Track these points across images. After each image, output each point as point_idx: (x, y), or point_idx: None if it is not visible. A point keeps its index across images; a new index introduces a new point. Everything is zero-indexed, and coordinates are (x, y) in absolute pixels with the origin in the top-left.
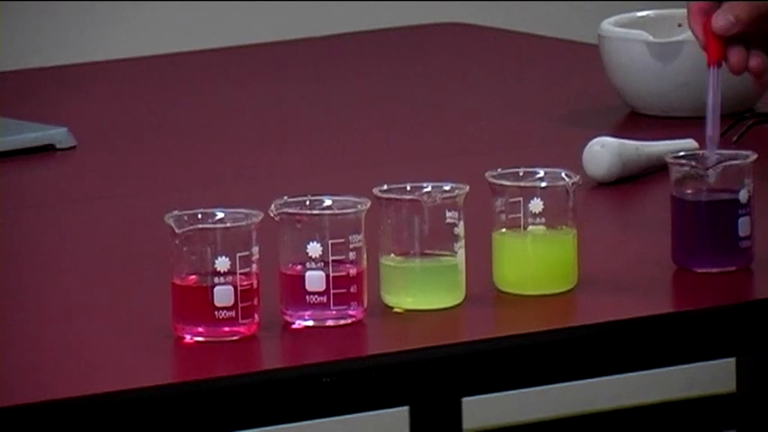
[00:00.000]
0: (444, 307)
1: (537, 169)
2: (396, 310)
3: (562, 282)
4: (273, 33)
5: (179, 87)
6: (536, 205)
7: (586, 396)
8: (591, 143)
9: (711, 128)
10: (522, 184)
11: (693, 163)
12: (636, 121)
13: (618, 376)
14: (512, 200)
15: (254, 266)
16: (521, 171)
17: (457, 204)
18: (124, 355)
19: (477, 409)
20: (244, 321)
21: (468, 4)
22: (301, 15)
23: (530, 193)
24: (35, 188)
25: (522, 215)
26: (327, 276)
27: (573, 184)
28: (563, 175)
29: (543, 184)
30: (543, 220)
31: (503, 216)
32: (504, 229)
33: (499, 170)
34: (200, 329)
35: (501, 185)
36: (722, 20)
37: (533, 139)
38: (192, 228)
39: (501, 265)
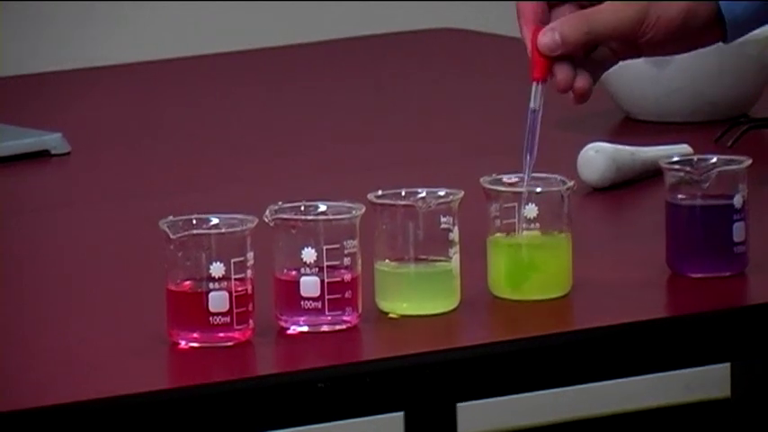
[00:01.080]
0: (439, 312)
1: (532, 174)
2: (390, 315)
3: (557, 287)
4: (268, 39)
5: (174, 93)
6: (530, 210)
7: (581, 401)
8: (585, 148)
9: (529, 149)
10: (516, 189)
11: (688, 168)
12: (630, 127)
13: (612, 381)
14: (506, 205)
15: (249, 272)
16: (515, 176)
17: (452, 210)
18: (119, 361)
19: (472, 414)
20: (239, 327)
21: (464, 10)
22: (297, 21)
23: (524, 199)
24: (30, 194)
25: (516, 220)
26: (322, 282)
27: (567, 189)
28: (558, 180)
29: (538, 190)
30: (538, 225)
31: (497, 221)
32: (498, 235)
33: (494, 175)
34: (195, 335)
35: (495, 191)
36: (548, 39)
37: None
38: (186, 233)
39: (496, 271)
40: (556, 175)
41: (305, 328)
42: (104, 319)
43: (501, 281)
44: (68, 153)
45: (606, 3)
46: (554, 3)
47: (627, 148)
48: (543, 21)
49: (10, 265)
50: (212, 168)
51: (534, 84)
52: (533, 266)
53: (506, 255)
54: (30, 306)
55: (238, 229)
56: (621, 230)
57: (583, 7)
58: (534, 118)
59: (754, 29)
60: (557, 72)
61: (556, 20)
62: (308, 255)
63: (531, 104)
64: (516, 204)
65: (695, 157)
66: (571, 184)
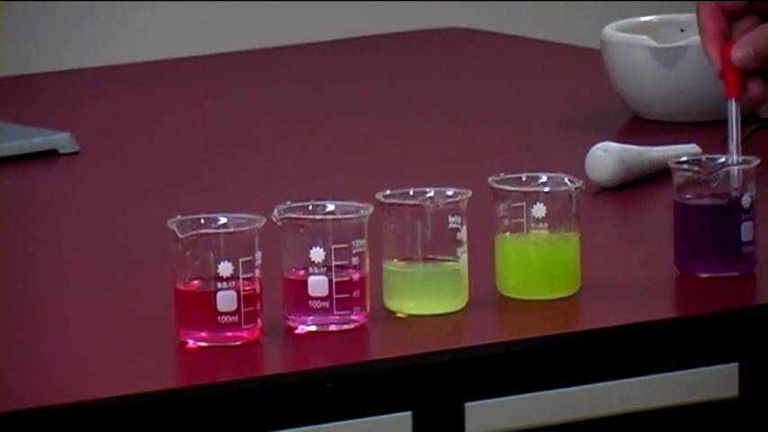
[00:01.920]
0: (447, 312)
1: (540, 174)
2: (398, 315)
3: (565, 286)
4: (275, 38)
5: (182, 92)
6: (539, 210)
7: (589, 401)
8: (594, 148)
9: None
10: (524, 189)
11: (696, 168)
12: (639, 126)
13: (621, 381)
14: (514, 204)
15: (257, 271)
16: (523, 176)
17: (459, 209)
18: (127, 360)
19: (480, 414)
20: (247, 326)
21: (470, 9)
22: (303, 20)
23: (533, 198)
24: (38, 193)
25: (524, 220)
26: (330, 281)
27: (576, 188)
28: (566, 180)
29: (546, 189)
30: (546, 224)
31: (506, 221)
32: (507, 234)
33: (502, 175)
34: (203, 334)
35: (504, 190)
36: (742, 53)
37: (536, 143)
38: (194, 233)
39: (504, 270)
40: (564, 175)
41: (313, 328)
42: (113, 318)
43: (509, 280)
44: (77, 152)
45: None
46: (734, 17)
47: (635, 147)
48: (726, 36)
49: (19, 264)
50: (221, 168)
51: (730, 102)
52: (542, 266)
53: (514, 254)
54: (37, 305)
55: (246, 228)
56: (629, 230)
57: (764, 19)
58: (737, 134)
59: None
60: (750, 87)
61: (738, 34)
62: (317, 254)
63: (731, 121)
64: (525, 204)
65: (703, 157)
66: (579, 183)
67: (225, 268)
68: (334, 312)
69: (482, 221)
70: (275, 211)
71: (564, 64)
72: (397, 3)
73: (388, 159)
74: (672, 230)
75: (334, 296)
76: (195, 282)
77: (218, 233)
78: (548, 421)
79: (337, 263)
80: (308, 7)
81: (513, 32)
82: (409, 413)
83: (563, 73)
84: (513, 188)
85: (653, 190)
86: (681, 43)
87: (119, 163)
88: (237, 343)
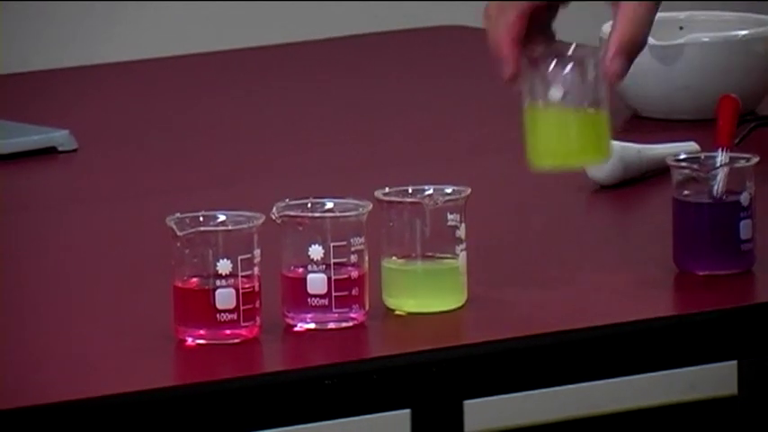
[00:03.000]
0: (446, 310)
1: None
2: (397, 312)
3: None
4: (273, 36)
5: (181, 90)
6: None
7: (588, 398)
8: None
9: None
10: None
11: (695, 166)
12: (637, 124)
13: (619, 379)
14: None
15: (256, 269)
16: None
17: (458, 207)
18: (125, 358)
19: (479, 411)
20: (245, 324)
21: (466, 7)
22: (300, 18)
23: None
24: (37, 191)
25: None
26: (329, 279)
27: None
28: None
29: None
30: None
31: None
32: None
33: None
34: (202, 332)
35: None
36: (618, 66)
37: None
38: (193, 230)
39: (540, 139)
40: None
41: (312, 326)
42: (112, 316)
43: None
44: (75, 150)
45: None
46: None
47: (634, 145)
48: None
49: (17, 261)
50: (219, 165)
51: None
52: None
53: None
54: (36, 303)
55: (245, 226)
56: (628, 228)
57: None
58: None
59: None
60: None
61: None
62: (315, 252)
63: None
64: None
65: (702, 155)
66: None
67: (224, 266)
68: (333, 310)
69: (481, 219)
70: (274, 209)
71: None
72: (392, 2)
73: (387, 157)
74: (670, 228)
75: (333, 294)
76: (194, 279)
77: (216, 231)
78: (546, 419)
79: (336, 260)
80: (304, 6)
81: None
82: (408, 411)
83: None
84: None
85: (651, 188)
86: (680, 41)
87: (118, 160)
88: (236, 340)
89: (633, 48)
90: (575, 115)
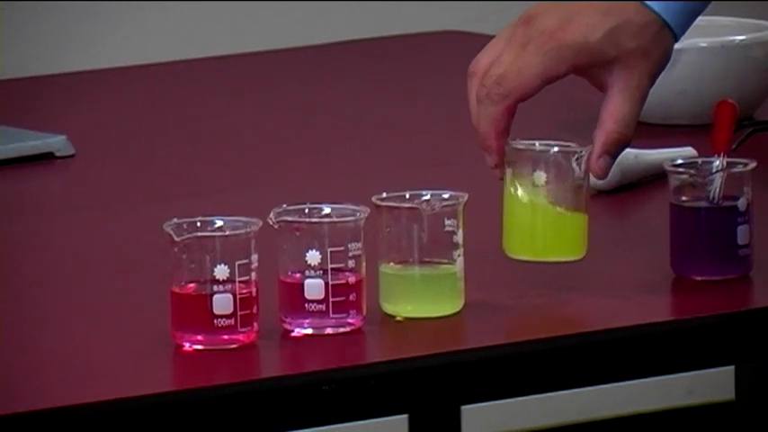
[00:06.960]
0: (443, 315)
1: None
2: (395, 318)
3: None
4: (271, 41)
5: (177, 95)
6: (539, 177)
7: (585, 404)
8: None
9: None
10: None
11: (692, 171)
12: (635, 129)
13: (617, 384)
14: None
15: (254, 274)
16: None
17: (456, 212)
18: (123, 363)
19: (477, 417)
20: (243, 329)
21: (465, 12)
22: (299, 23)
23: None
24: (34, 196)
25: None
26: (326, 284)
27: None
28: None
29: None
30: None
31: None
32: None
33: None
34: (199, 337)
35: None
36: (603, 164)
37: None
38: (190, 236)
39: (513, 230)
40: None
41: (309, 331)
42: (109, 321)
43: (520, 240)
44: (73, 155)
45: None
46: None
47: (631, 150)
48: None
49: (14, 267)
50: (217, 171)
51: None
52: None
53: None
54: (33, 309)
55: (243, 231)
56: (625, 233)
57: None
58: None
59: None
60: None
61: None
62: (313, 257)
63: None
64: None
65: (699, 160)
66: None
67: (221, 271)
68: (331, 315)
69: (478, 224)
70: (271, 214)
71: None
72: (392, 7)
73: (385, 162)
74: (668, 233)
75: (331, 299)
76: (191, 285)
77: (214, 236)
78: (544, 424)
79: (333, 266)
80: (304, 11)
81: None
82: (405, 416)
83: None
84: (523, 145)
85: (649, 193)
86: (677, 46)
87: (115, 166)
88: (234, 346)
89: (620, 148)
90: (554, 213)
